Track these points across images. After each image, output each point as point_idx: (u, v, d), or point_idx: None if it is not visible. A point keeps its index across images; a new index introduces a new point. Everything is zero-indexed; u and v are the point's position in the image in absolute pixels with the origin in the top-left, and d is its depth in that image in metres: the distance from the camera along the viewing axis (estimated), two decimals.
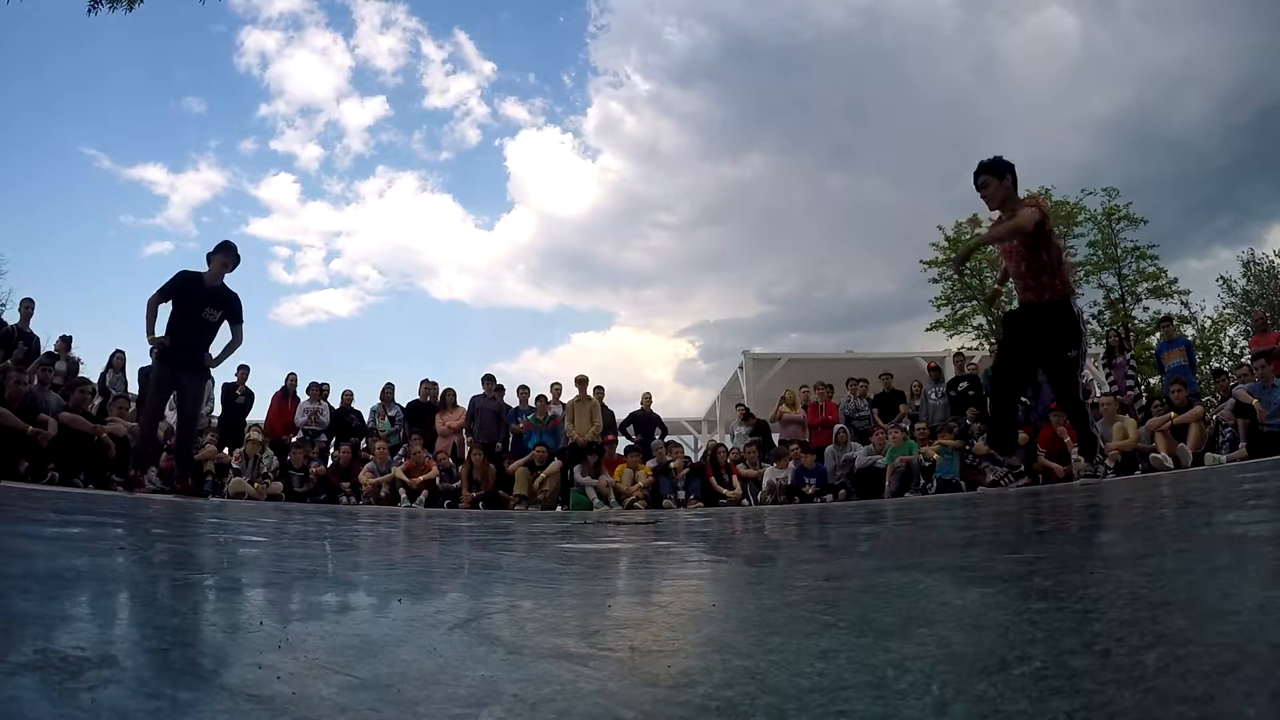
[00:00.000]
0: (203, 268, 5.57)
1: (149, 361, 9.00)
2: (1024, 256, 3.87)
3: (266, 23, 36.38)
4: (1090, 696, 0.50)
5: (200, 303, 5.52)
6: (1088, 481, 4.24)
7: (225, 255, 5.59)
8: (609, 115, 35.50)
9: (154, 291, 5.48)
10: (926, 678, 0.58)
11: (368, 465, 8.27)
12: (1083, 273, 24.17)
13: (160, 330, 5.45)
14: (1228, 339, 23.61)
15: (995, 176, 3.93)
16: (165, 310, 5.48)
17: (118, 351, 9.05)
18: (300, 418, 9.09)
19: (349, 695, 0.57)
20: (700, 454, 12.31)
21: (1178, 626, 0.69)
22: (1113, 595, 0.90)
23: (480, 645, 0.77)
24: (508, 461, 8.55)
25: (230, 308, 5.61)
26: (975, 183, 4.00)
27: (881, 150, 32.94)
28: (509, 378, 10.65)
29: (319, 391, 9.40)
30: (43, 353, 8.22)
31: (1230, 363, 20.13)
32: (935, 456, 8.06)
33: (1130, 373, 9.19)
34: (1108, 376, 9.50)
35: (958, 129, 31.70)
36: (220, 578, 1.27)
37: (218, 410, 9.27)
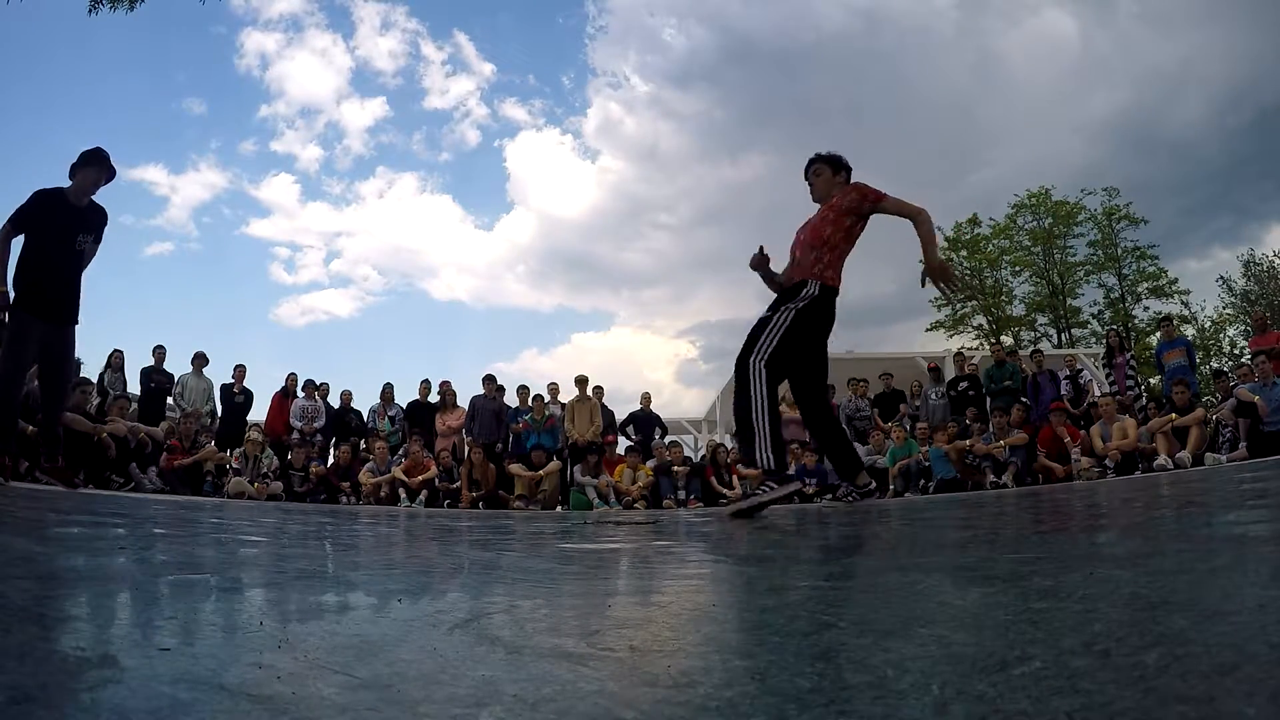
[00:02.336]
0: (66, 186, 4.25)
1: (151, 361, 9.06)
2: (809, 227, 3.62)
3: (266, 24, 36.54)
4: (1090, 696, 0.50)
5: (71, 229, 4.26)
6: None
7: (99, 168, 4.30)
8: (608, 116, 35.58)
9: (4, 223, 4.16)
10: (926, 678, 0.58)
11: (367, 465, 8.27)
12: (1083, 273, 24.19)
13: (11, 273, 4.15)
14: (1227, 339, 23.65)
15: (830, 166, 3.72)
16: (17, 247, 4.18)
17: (116, 351, 9.07)
18: (296, 419, 9.09)
19: (349, 695, 0.57)
20: (700, 454, 12.31)
21: (1178, 626, 0.69)
22: (1113, 595, 0.90)
23: (480, 645, 0.77)
24: (507, 462, 8.56)
25: (100, 230, 4.42)
26: (807, 172, 3.76)
27: (881, 151, 32.91)
28: (509, 378, 10.68)
29: (314, 390, 9.40)
30: None
31: (1230, 363, 20.13)
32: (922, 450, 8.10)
33: (1130, 373, 9.19)
34: (1108, 376, 9.51)
35: (957, 131, 31.78)
36: (220, 578, 1.27)
37: (218, 410, 9.28)
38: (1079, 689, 0.52)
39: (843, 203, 3.59)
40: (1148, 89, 30.25)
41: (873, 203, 3.56)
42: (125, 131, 35.39)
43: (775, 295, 3.64)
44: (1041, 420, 8.21)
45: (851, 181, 3.72)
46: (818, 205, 3.74)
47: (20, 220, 4.20)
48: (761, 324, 3.50)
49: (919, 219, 3.48)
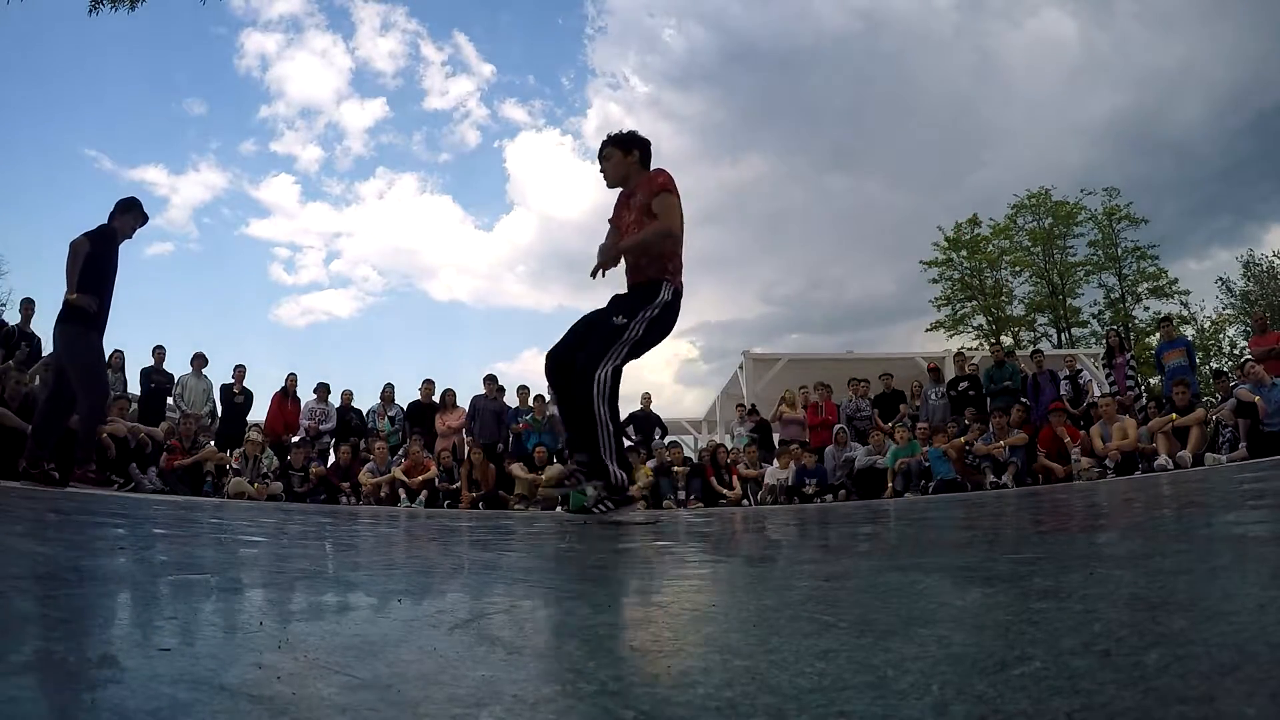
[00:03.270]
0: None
1: (151, 361, 9.06)
2: (629, 233, 3.43)
3: (266, 25, 36.52)
4: (1090, 696, 0.50)
5: (116, 264, 5.04)
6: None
7: (137, 214, 5.12)
8: (608, 117, 35.57)
9: (82, 236, 4.89)
10: (926, 678, 0.58)
11: (367, 465, 8.27)
12: (1083, 273, 24.19)
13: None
14: (1227, 339, 23.64)
15: (620, 149, 3.54)
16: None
17: (116, 351, 9.07)
18: (305, 419, 9.12)
19: (349, 695, 0.57)
20: (700, 454, 12.33)
21: (1178, 626, 0.69)
22: (1113, 595, 0.90)
23: (480, 645, 0.77)
24: (508, 462, 8.56)
25: None
26: (599, 156, 3.63)
27: (881, 152, 33.03)
28: (509, 378, 10.71)
29: (325, 391, 9.42)
30: (44, 353, 8.22)
31: (1230, 363, 20.14)
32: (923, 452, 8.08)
33: (1130, 373, 9.19)
34: (1108, 376, 9.51)
35: (957, 131, 31.80)
36: (220, 578, 1.27)
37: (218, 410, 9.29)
38: (1079, 689, 0.52)
39: (645, 198, 3.41)
40: (1147, 90, 30.29)
41: (656, 195, 3.35)
42: (125, 131, 35.47)
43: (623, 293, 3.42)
44: (1041, 420, 8.21)
45: (650, 166, 3.57)
46: (623, 191, 3.61)
47: (95, 244, 4.89)
48: (612, 333, 3.24)
49: (655, 230, 3.33)
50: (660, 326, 3.35)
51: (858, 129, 34.34)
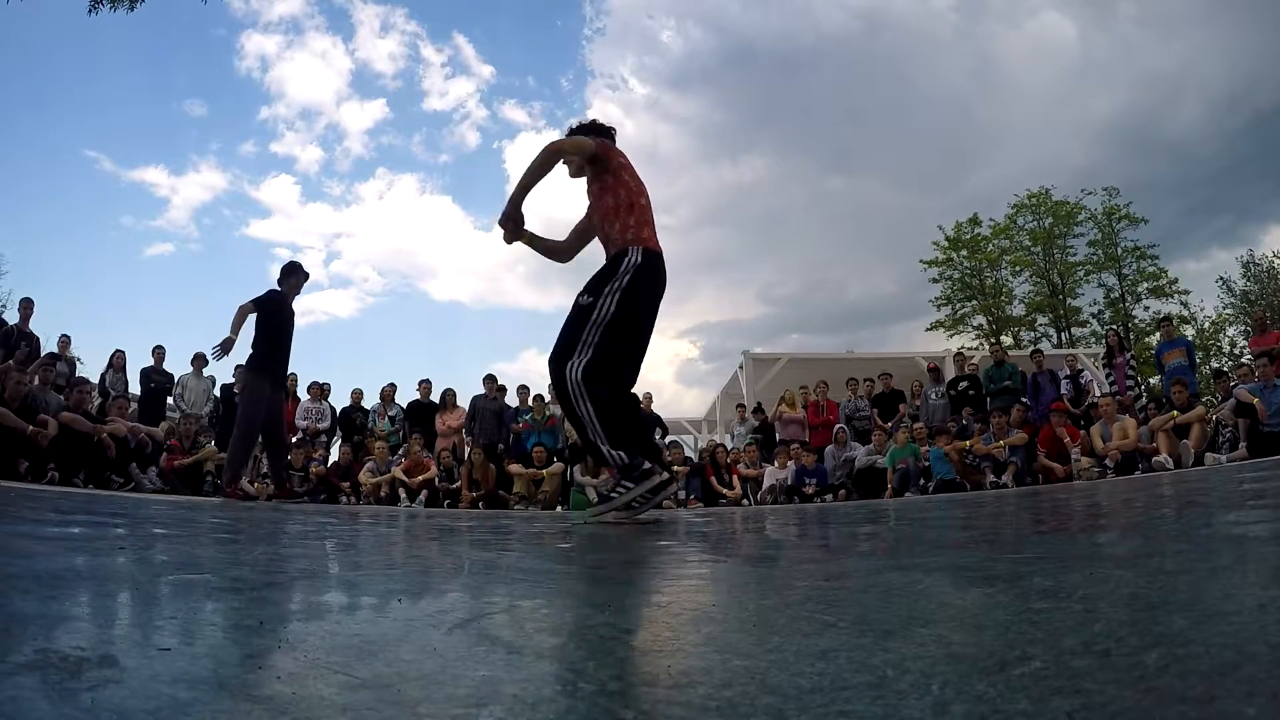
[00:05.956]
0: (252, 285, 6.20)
1: (151, 361, 9.05)
2: (593, 208, 3.27)
3: (267, 26, 36.59)
4: (1090, 696, 0.50)
5: (289, 321, 5.90)
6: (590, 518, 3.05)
7: (301, 276, 6.00)
8: (608, 118, 35.51)
9: (249, 301, 5.81)
10: (926, 678, 0.58)
11: (367, 465, 8.27)
12: (1083, 273, 24.19)
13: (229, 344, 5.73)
14: (1227, 339, 23.63)
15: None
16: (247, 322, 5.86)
17: (118, 351, 9.08)
18: (301, 419, 9.11)
19: (349, 695, 0.57)
20: (700, 454, 12.32)
21: (1178, 626, 0.69)
22: (1113, 595, 0.90)
23: (480, 645, 0.77)
24: (508, 461, 8.56)
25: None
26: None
27: (881, 153, 33.05)
28: (510, 378, 10.72)
29: (320, 391, 9.41)
30: (44, 353, 8.22)
31: (1230, 363, 20.12)
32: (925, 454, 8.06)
33: (1130, 373, 9.19)
34: (1108, 376, 9.51)
35: (957, 132, 31.81)
36: (220, 578, 1.27)
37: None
38: (1079, 689, 0.52)
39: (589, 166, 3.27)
40: (1146, 91, 30.32)
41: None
42: (126, 132, 35.52)
43: (594, 274, 3.18)
44: (1041, 420, 8.21)
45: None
46: (585, 182, 3.41)
47: (261, 306, 5.77)
48: (579, 316, 3.01)
49: (540, 152, 3.13)
50: (635, 295, 3.04)
51: (857, 129, 34.39)
